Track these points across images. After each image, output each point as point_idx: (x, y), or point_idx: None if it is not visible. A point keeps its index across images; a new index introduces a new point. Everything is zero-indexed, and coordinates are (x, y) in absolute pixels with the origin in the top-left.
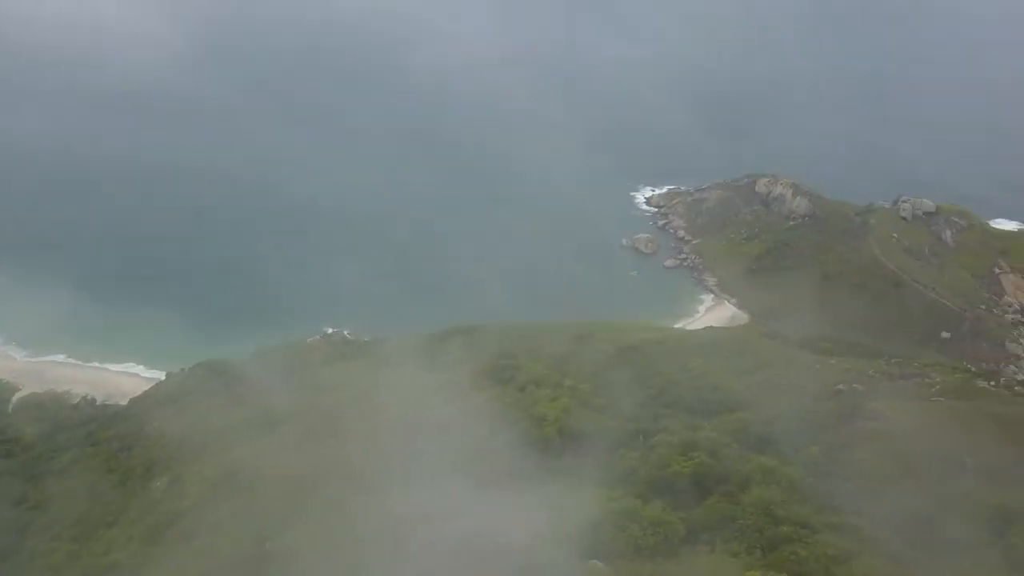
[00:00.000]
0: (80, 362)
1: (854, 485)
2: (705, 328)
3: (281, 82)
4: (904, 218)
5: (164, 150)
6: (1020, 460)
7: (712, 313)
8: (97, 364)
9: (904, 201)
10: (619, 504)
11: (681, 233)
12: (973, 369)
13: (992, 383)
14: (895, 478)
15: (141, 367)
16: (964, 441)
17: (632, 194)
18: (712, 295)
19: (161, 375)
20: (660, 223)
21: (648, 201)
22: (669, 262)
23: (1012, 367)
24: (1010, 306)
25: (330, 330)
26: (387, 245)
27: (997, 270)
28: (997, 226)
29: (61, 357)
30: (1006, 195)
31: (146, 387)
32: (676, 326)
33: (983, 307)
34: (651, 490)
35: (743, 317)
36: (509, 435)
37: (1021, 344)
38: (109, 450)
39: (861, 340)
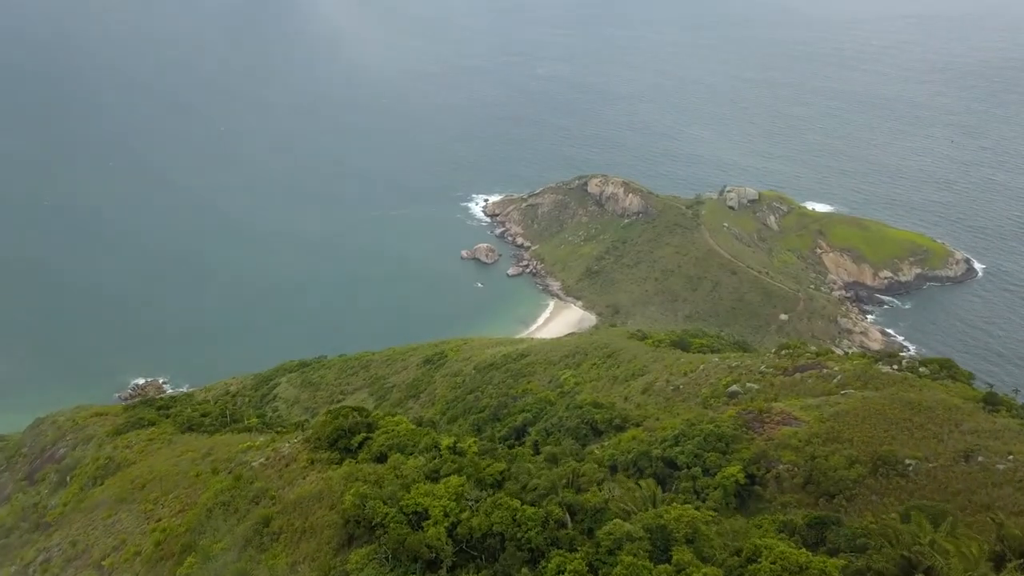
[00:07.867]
0: None
1: (807, 510)
2: (568, 335)
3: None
4: (731, 207)
5: None
6: (955, 452)
7: (560, 317)
8: None
9: (729, 191)
10: None
11: (520, 240)
12: (870, 353)
13: (894, 367)
14: (856, 496)
15: None
16: (894, 438)
17: (465, 204)
18: (558, 299)
19: None
20: (498, 231)
21: (484, 210)
22: (512, 270)
23: (899, 345)
24: (835, 283)
25: (141, 380)
26: (209, 284)
27: (819, 250)
28: (811, 208)
29: None
30: (813, 181)
31: None
32: (525, 334)
33: (812, 287)
34: None
35: (591, 318)
36: (368, 550)
37: (850, 318)
38: None
39: (715, 331)
